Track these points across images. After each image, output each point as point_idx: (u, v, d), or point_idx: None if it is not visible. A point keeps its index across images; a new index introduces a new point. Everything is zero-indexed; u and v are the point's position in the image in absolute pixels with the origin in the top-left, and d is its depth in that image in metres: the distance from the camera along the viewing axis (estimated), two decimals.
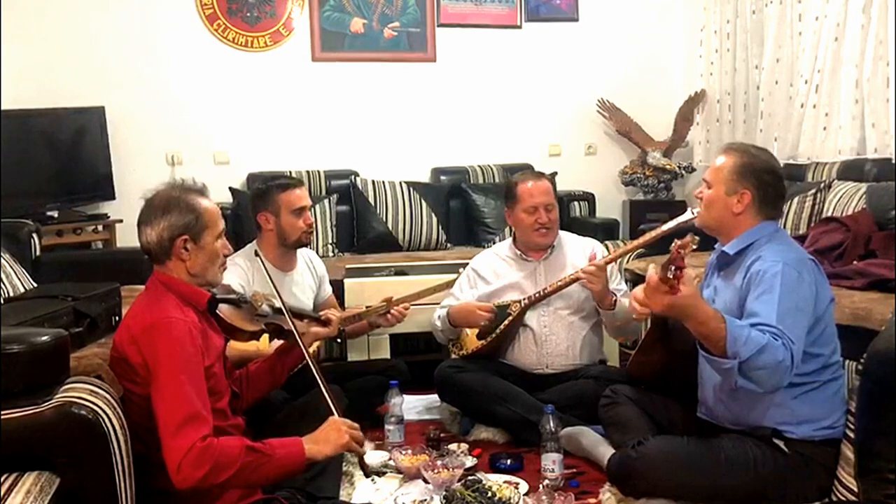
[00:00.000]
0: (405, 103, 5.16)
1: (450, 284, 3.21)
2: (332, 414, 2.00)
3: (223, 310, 2.09)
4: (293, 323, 2.21)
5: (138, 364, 1.87)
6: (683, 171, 5.25)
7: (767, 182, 2.20)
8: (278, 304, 2.24)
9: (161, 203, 1.98)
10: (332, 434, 1.94)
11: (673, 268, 1.85)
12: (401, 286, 3.17)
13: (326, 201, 4.65)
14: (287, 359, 2.31)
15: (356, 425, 1.99)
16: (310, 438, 1.93)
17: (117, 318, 2.71)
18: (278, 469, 1.87)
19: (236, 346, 2.35)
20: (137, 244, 2.02)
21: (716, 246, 2.33)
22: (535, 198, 3.03)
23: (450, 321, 3.08)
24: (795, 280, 2.04)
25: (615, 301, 2.91)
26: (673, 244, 1.85)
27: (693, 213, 2.40)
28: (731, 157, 2.23)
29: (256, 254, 2.65)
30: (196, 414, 1.80)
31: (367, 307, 3.10)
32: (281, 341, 2.33)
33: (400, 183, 4.82)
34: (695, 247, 1.86)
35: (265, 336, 2.37)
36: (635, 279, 3.97)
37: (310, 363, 2.13)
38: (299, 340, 2.19)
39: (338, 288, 3.39)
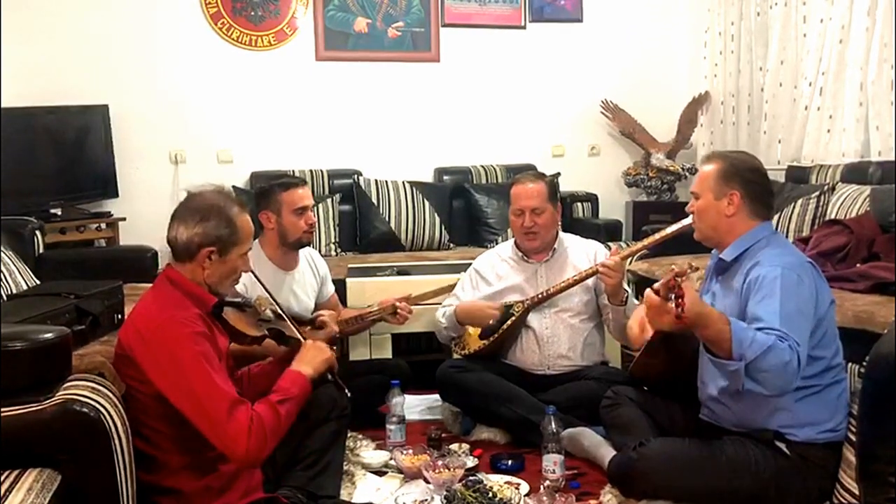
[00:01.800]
0: (409, 103, 5.16)
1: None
2: (301, 343, 2.16)
3: (228, 313, 2.11)
4: (297, 329, 2.25)
5: (144, 362, 1.87)
6: (687, 173, 5.24)
7: (752, 180, 2.23)
8: (280, 309, 2.26)
9: (203, 206, 1.98)
10: (314, 353, 2.11)
11: (673, 296, 1.88)
12: (403, 286, 3.16)
13: (329, 201, 4.65)
14: (288, 364, 2.31)
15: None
16: (300, 362, 2.06)
17: (120, 315, 2.72)
18: (300, 403, 1.99)
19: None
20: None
21: (713, 252, 2.33)
22: (521, 201, 3.02)
23: (457, 319, 3.08)
24: (795, 283, 2.05)
25: (626, 297, 2.91)
26: (671, 271, 1.90)
27: None
28: (712, 163, 2.28)
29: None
30: (235, 398, 1.87)
31: (368, 307, 3.09)
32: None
33: (403, 183, 4.82)
34: (692, 273, 1.90)
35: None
36: (637, 280, 3.98)
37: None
38: (298, 337, 2.22)
39: (340, 287, 3.38)
